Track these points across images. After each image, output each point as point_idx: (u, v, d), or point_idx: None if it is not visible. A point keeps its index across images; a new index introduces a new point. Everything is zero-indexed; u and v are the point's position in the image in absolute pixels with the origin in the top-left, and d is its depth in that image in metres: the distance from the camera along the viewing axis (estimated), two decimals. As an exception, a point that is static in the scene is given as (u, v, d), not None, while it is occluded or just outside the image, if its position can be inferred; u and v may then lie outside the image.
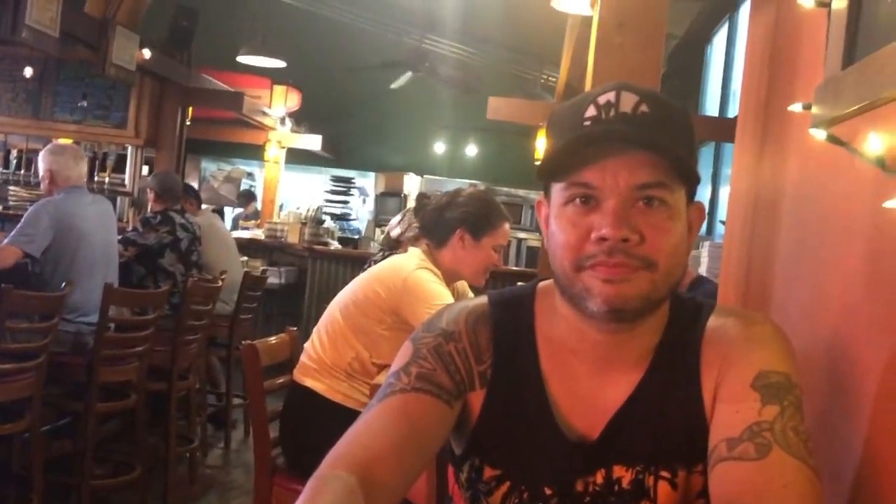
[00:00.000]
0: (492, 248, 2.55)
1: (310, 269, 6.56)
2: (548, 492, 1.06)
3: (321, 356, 2.45)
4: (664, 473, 1.03)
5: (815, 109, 1.34)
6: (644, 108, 0.98)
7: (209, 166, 10.79)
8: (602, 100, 0.99)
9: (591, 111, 0.98)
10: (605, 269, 0.96)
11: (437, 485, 1.51)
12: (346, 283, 2.69)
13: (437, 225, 2.59)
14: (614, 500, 1.04)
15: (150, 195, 4.58)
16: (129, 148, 6.20)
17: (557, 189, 1.01)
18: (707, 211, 8.07)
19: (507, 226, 2.61)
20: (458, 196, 2.63)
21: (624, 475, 1.04)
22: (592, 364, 1.06)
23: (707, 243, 5.31)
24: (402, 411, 1.02)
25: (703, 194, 8.14)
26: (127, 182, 6.19)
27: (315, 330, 2.56)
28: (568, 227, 0.99)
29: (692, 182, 1.01)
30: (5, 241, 3.41)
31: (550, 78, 8.47)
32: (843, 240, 1.33)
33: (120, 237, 4.38)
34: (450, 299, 2.38)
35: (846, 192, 1.32)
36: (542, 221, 1.08)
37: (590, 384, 1.06)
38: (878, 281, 1.19)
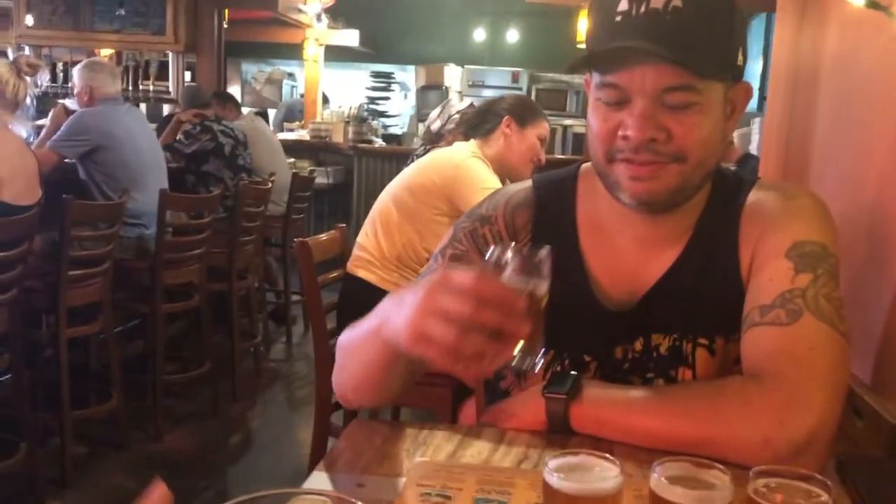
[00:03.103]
0: (536, 138, 2.63)
1: (356, 168, 6.62)
2: (587, 359, 1.12)
3: (374, 247, 2.56)
4: (702, 340, 1.08)
5: (852, -25, 1.31)
6: (677, 1, 0.95)
7: (250, 69, 10.75)
8: None
9: (623, 4, 0.97)
10: (633, 166, 1.00)
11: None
12: (392, 179, 2.76)
13: (485, 119, 2.71)
14: (653, 365, 1.09)
15: (185, 113, 4.67)
16: (170, 54, 6.22)
17: (593, 80, 1.04)
18: (759, 86, 7.77)
19: (546, 124, 2.77)
20: (501, 98, 2.86)
21: (662, 342, 1.09)
22: (633, 241, 1.11)
23: (758, 119, 5.19)
24: None
25: (754, 69, 7.85)
26: (171, 89, 6.25)
27: (367, 222, 2.67)
28: (599, 121, 1.02)
29: (727, 72, 1.01)
30: (46, 144, 3.54)
31: (591, -45, 8.12)
32: (880, 107, 1.33)
33: (167, 148, 4.48)
34: (499, 185, 2.46)
35: (885, 59, 1.31)
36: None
37: (630, 259, 1.11)
38: (912, 147, 1.19)
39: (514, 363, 0.78)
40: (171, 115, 5.15)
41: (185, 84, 5.40)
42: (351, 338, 1.05)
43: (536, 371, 0.82)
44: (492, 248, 0.86)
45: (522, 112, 2.70)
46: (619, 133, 0.99)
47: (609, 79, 0.99)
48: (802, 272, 1.00)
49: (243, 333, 4.21)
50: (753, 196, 1.11)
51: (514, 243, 0.88)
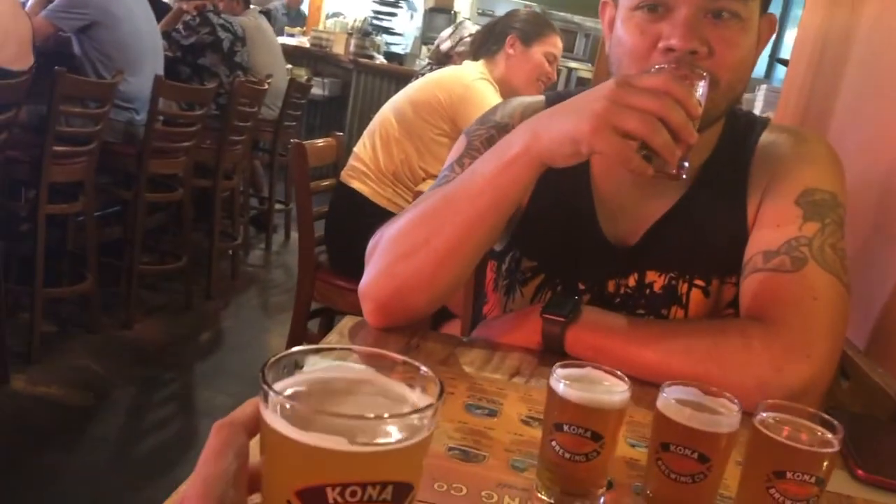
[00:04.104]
0: (543, 57, 2.55)
1: (354, 82, 6.50)
2: (581, 287, 1.10)
3: (371, 159, 2.51)
4: (698, 281, 1.06)
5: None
6: None
7: (255, -32, 10.42)
8: None
9: None
10: None
11: (474, 284, 1.57)
12: (389, 98, 2.70)
13: (489, 38, 2.61)
14: (645, 302, 1.08)
15: (186, 3, 4.50)
16: (176, -60, 5.99)
17: None
18: (769, 53, 7.68)
19: (557, 38, 2.64)
20: (509, 14, 2.72)
21: (656, 280, 1.07)
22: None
23: (764, 86, 5.13)
24: None
25: (766, 36, 7.74)
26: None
27: (366, 133, 2.61)
28: (636, 33, 0.97)
29: None
30: (41, 13, 3.41)
31: None
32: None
33: (164, 37, 4.34)
34: None
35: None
36: (605, 24, 1.06)
37: (636, 192, 1.08)
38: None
39: (675, 167, 0.84)
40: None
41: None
42: (438, 208, 0.97)
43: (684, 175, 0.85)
44: (656, 66, 0.90)
45: (527, 29, 2.58)
46: (661, 45, 0.95)
47: None
48: (810, 220, 0.99)
49: (223, 234, 4.17)
50: (765, 138, 1.09)
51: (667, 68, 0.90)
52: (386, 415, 0.45)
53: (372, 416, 0.44)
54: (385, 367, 0.50)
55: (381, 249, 1.00)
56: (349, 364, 0.51)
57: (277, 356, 0.48)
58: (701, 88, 0.86)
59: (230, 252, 4.26)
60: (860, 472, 0.81)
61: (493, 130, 1.11)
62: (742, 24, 0.96)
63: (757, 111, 4.92)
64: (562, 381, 0.65)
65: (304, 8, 9.09)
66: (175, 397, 2.94)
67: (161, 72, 3.54)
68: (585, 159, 0.89)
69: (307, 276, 2.41)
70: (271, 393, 0.44)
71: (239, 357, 3.28)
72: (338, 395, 0.48)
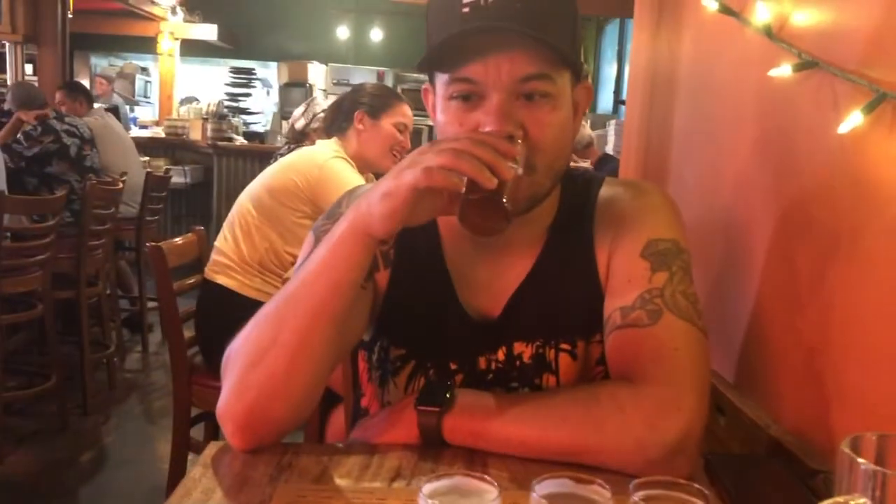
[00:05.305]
0: (393, 127, 2.56)
1: (216, 166, 6.37)
2: (453, 367, 1.09)
3: (233, 251, 2.44)
4: (564, 346, 1.07)
5: (707, -20, 1.34)
6: None
7: (100, 62, 10.16)
8: None
9: None
10: None
11: (353, 376, 1.53)
12: (254, 178, 2.65)
13: (338, 116, 2.60)
14: (516, 374, 1.07)
15: (25, 113, 4.28)
16: (7, 45, 5.76)
17: (441, 81, 1.00)
18: (614, 90, 8.03)
19: (406, 107, 2.65)
20: (354, 89, 2.73)
21: (524, 350, 1.07)
22: (488, 248, 1.08)
23: (613, 121, 5.37)
24: None
25: (610, 72, 8.16)
26: (10, 82, 5.79)
27: (225, 225, 2.53)
28: (454, 123, 0.98)
29: (576, 65, 1.01)
30: None
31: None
32: (734, 111, 1.37)
33: (4, 150, 4.12)
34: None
35: (736, 64, 1.35)
36: (429, 109, 1.07)
37: (489, 266, 1.08)
38: (765, 150, 1.23)
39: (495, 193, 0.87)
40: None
41: (17, 81, 4.97)
42: (279, 306, 0.95)
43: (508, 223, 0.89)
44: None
45: (373, 103, 2.58)
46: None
47: (462, 73, 0.95)
48: (659, 271, 1.01)
49: (95, 343, 3.95)
50: (604, 193, 1.11)
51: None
52: None
53: None
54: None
55: (231, 363, 0.95)
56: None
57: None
58: (519, 148, 0.91)
59: (104, 361, 4.03)
60: (742, 520, 0.82)
61: None
62: (554, 102, 0.97)
63: (610, 146, 5.14)
64: (428, 500, 0.62)
65: (154, 98, 8.91)
66: (58, 532, 2.72)
67: (3, 186, 3.36)
68: (403, 215, 0.89)
69: (182, 381, 2.29)
70: None
71: (125, 473, 3.08)
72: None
